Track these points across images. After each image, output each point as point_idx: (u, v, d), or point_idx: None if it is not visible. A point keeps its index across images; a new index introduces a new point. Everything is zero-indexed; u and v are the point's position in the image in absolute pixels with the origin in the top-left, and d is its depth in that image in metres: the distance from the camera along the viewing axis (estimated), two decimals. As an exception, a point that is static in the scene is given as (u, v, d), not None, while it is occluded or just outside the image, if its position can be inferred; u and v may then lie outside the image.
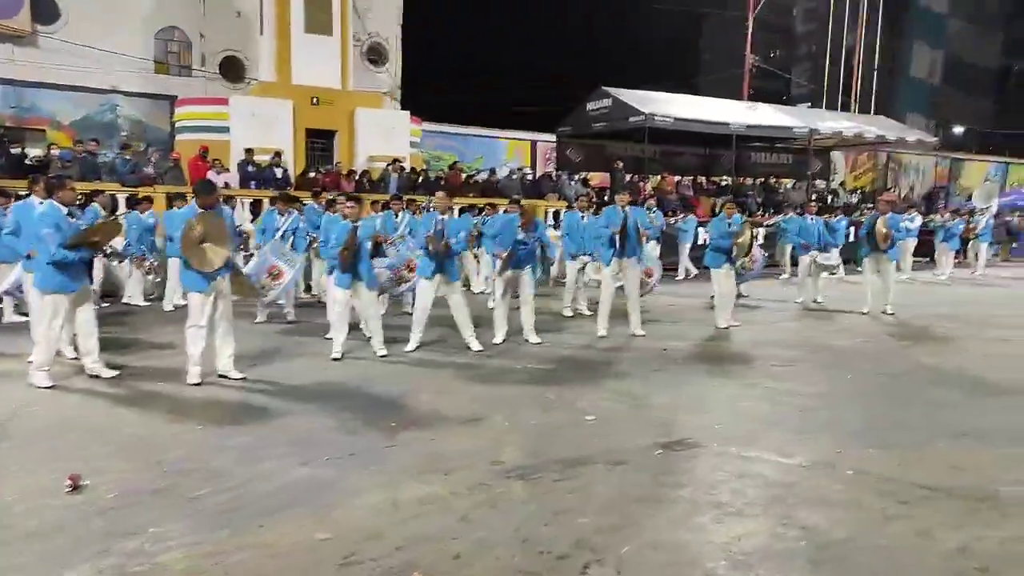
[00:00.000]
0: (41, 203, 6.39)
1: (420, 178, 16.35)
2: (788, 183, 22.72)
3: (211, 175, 13.50)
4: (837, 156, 26.78)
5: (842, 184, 26.00)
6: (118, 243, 9.26)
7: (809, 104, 32.19)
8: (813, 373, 7.04)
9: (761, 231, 15.48)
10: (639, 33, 36.33)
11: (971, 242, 17.20)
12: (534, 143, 23.98)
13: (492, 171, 18.38)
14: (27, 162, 12.79)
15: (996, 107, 46.20)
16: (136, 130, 19.33)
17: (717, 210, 11.01)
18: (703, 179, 21.93)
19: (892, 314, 10.37)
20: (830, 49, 30.99)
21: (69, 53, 18.14)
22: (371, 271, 7.29)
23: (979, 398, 6.20)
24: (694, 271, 15.17)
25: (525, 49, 31.78)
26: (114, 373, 6.33)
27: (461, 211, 13.43)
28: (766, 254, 14.36)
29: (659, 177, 20.17)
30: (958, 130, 35.17)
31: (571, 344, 8.23)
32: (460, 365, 7.08)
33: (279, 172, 14.83)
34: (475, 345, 7.67)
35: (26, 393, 5.86)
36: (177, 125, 17.91)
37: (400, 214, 10.19)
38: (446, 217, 7.61)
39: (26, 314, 7.53)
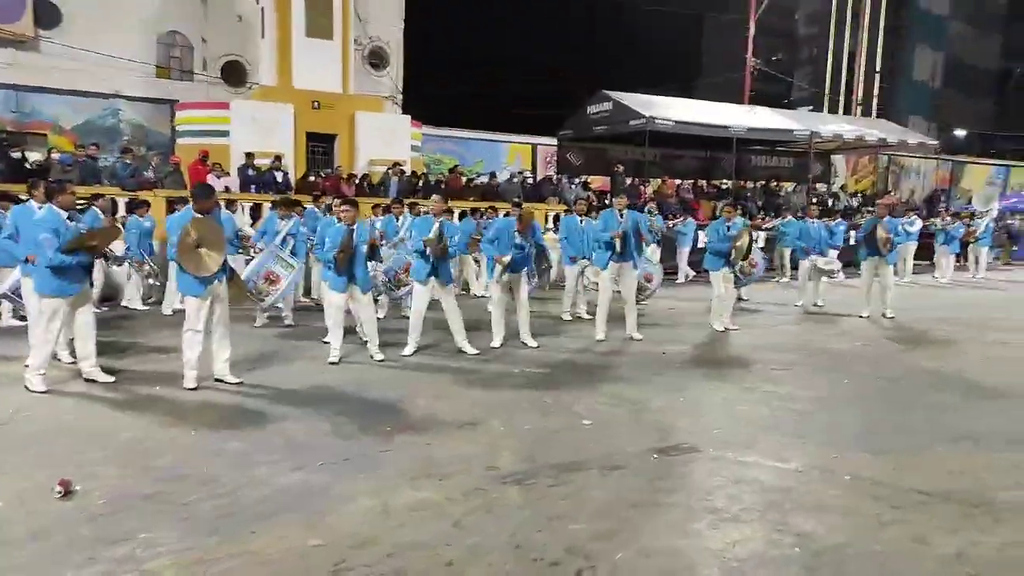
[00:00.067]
0: (40, 208, 6.38)
1: (420, 182, 16.36)
2: (789, 186, 22.69)
3: (211, 179, 13.49)
4: (838, 159, 26.75)
5: (843, 187, 25.95)
6: (118, 247, 9.27)
7: (811, 107, 32.20)
8: (811, 377, 7.02)
9: (762, 235, 15.48)
10: (640, 36, 36.34)
11: (971, 245, 17.17)
12: (535, 146, 24.01)
13: (492, 175, 18.39)
14: (27, 166, 12.80)
15: (997, 110, 46.17)
16: (138, 134, 19.39)
17: (717, 213, 10.99)
18: (704, 182, 21.91)
19: (891, 317, 10.35)
20: (831, 53, 31.00)
21: (71, 57, 18.21)
22: (366, 274, 7.28)
23: (977, 402, 6.17)
24: (691, 274, 15.15)
25: (526, 52, 31.78)
26: (110, 378, 6.32)
27: (462, 215, 13.42)
28: (767, 257, 14.37)
29: (660, 180, 20.15)
30: (959, 133, 35.11)
31: (569, 348, 8.21)
32: (457, 369, 7.06)
33: (279, 176, 14.83)
34: (468, 349, 7.66)
35: (22, 397, 5.85)
36: (178, 129, 17.95)
37: (401, 218, 10.21)
38: (442, 220, 7.60)
39: (24, 318, 7.52)
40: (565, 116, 20.85)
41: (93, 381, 6.26)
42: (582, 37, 36.06)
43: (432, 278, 7.46)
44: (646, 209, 14.13)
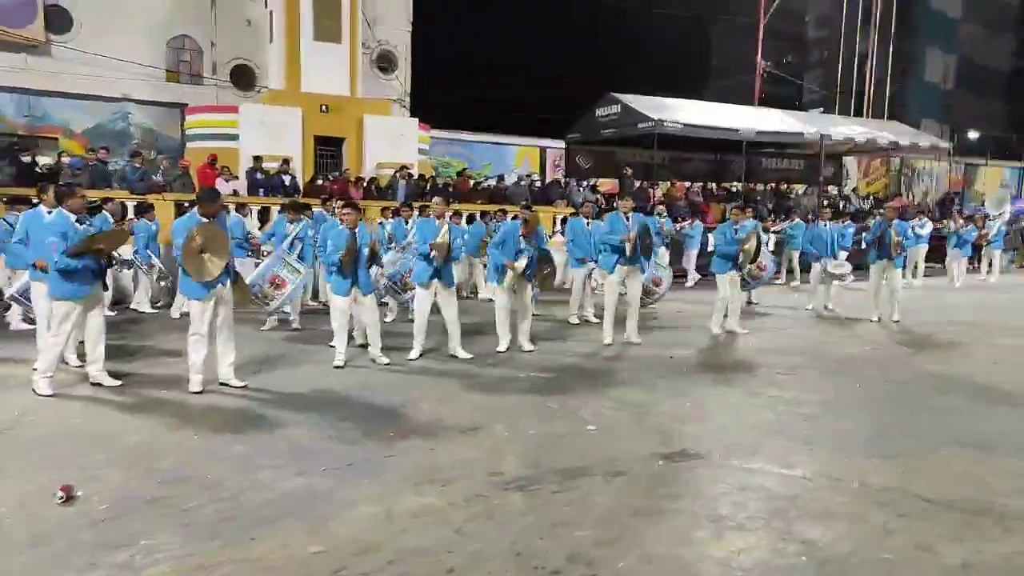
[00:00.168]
0: (50, 212, 6.41)
1: (428, 185, 16.35)
2: (800, 189, 22.58)
3: (219, 183, 13.55)
4: (850, 162, 26.60)
5: (855, 190, 25.80)
6: (125, 251, 9.31)
7: (822, 109, 32.03)
8: (819, 381, 6.96)
9: (772, 238, 15.40)
10: (649, 39, 36.26)
11: (984, 248, 17.01)
12: (543, 149, 23.99)
13: (500, 178, 18.39)
14: (37, 170, 12.88)
15: (1010, 111, 45.79)
16: (148, 138, 19.47)
17: (727, 216, 10.93)
18: (713, 185, 21.83)
19: (897, 321, 10.25)
20: (842, 55, 30.79)
21: (82, 62, 18.32)
22: (368, 277, 7.28)
23: (987, 406, 6.10)
24: (697, 277, 15.08)
25: (535, 55, 31.75)
26: (117, 382, 6.33)
27: (471, 219, 13.43)
28: (777, 260, 14.29)
29: (668, 183, 20.08)
30: (973, 135, 34.81)
31: (576, 352, 8.18)
32: (462, 373, 7.04)
33: (287, 179, 14.87)
34: (461, 354, 7.62)
35: (28, 400, 5.88)
36: (188, 133, 18.05)
37: (410, 221, 10.23)
38: (445, 222, 7.59)
39: (33, 321, 7.56)
40: (573, 119, 20.83)
41: (99, 385, 6.28)
42: (591, 40, 35.99)
43: (435, 280, 7.45)
44: (655, 212, 14.07)
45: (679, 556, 3.41)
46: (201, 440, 5.01)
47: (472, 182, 17.87)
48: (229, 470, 4.39)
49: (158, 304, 10.83)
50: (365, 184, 15.66)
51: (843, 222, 12.29)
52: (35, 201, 7.85)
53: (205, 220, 6.12)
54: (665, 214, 14.84)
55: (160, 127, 19.80)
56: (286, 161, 15.46)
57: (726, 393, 6.47)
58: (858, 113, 28.90)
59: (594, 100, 19.80)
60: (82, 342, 6.51)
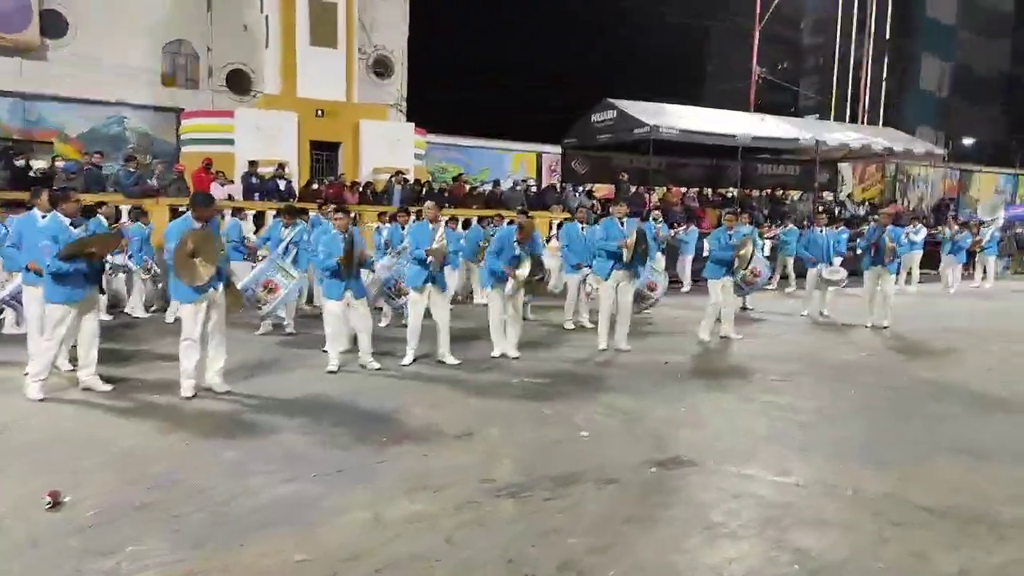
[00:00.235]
0: (44, 216, 6.38)
1: (424, 190, 16.32)
2: (795, 195, 22.61)
3: (214, 187, 13.53)
4: (845, 168, 26.64)
5: (850, 196, 25.86)
6: (119, 256, 9.27)
7: (817, 116, 32.11)
8: (814, 387, 6.95)
9: (767, 243, 15.39)
10: (645, 44, 36.33)
11: (978, 255, 17.03)
12: (540, 154, 23.99)
13: (496, 182, 18.36)
14: (31, 174, 12.83)
15: (1006, 119, 45.97)
16: (143, 143, 19.44)
17: (721, 221, 10.91)
18: (709, 191, 21.84)
19: (887, 327, 10.22)
20: (838, 61, 30.92)
21: (77, 66, 18.29)
22: (361, 282, 7.26)
23: (982, 413, 6.09)
24: (691, 284, 15.05)
25: (532, 60, 31.79)
26: (108, 387, 6.29)
27: (466, 223, 13.40)
28: (772, 265, 14.27)
29: (664, 188, 20.08)
30: (968, 141, 34.96)
31: (570, 358, 8.15)
32: (456, 379, 7.01)
33: (282, 184, 14.84)
34: (449, 359, 7.58)
35: (21, 404, 5.84)
36: (183, 137, 18.00)
37: (407, 227, 10.17)
38: (440, 226, 7.57)
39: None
40: (570, 124, 20.85)
41: (90, 389, 6.24)
42: (587, 46, 36.01)
43: (428, 285, 7.42)
44: (651, 217, 14.07)
45: (671, 564, 3.38)
46: (192, 445, 4.97)
47: (468, 187, 17.84)
48: (220, 476, 4.35)
49: (152, 308, 10.79)
50: (361, 189, 15.63)
51: (837, 228, 12.27)
52: (30, 205, 7.82)
53: (198, 225, 6.09)
54: (661, 219, 14.84)
55: (156, 131, 19.76)
56: (281, 166, 15.42)
57: (720, 399, 6.45)
58: (853, 119, 29.05)
59: (591, 105, 19.82)
60: (74, 346, 6.47)
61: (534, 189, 18.80)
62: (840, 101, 30.48)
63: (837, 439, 5.30)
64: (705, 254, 13.93)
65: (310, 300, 11.01)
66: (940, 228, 18.37)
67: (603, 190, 20.71)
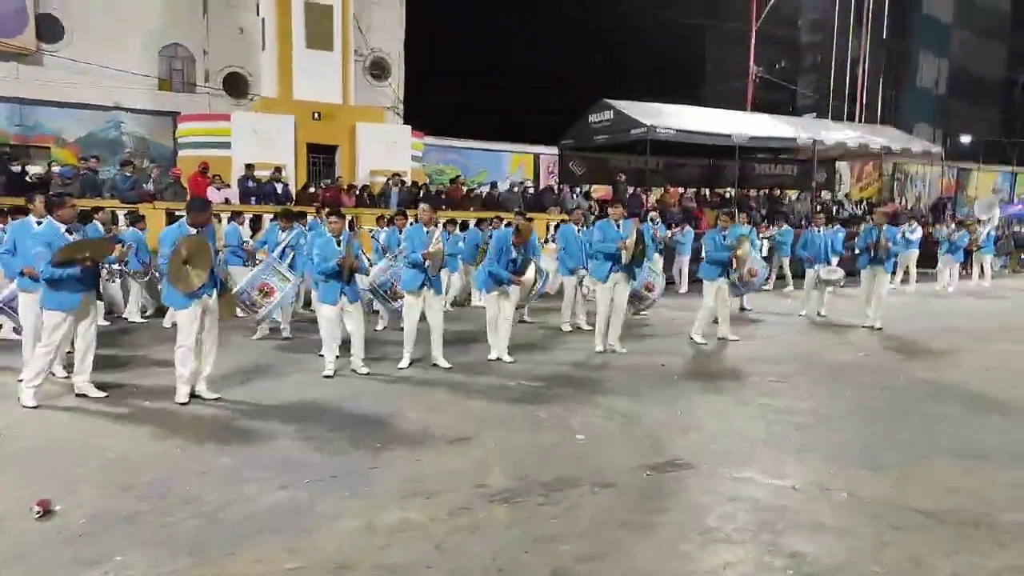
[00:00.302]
0: (39, 222, 6.36)
1: (421, 192, 16.31)
2: (793, 194, 22.60)
3: (211, 191, 13.51)
4: (843, 166, 26.64)
5: (847, 195, 25.84)
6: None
7: (814, 114, 32.09)
8: (811, 389, 6.92)
9: (765, 243, 15.36)
10: (643, 45, 36.35)
11: (974, 253, 17.01)
12: (537, 156, 23.93)
13: (493, 184, 18.35)
14: (27, 179, 12.81)
15: (1003, 117, 45.98)
16: (140, 147, 19.43)
17: (717, 221, 10.90)
18: (707, 191, 21.84)
19: (880, 328, 10.18)
20: (835, 60, 30.87)
21: (73, 71, 18.28)
22: (355, 285, 7.23)
23: (980, 415, 6.07)
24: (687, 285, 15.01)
25: (528, 61, 31.82)
26: (102, 394, 6.25)
27: (463, 225, 13.37)
28: (768, 266, 14.25)
29: (662, 189, 20.07)
30: (965, 139, 34.90)
31: (566, 360, 8.12)
32: (452, 383, 6.98)
33: (279, 187, 14.82)
34: (442, 363, 7.55)
35: (15, 411, 5.80)
36: (180, 141, 18.00)
37: (403, 230, 10.14)
38: (433, 229, 7.55)
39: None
40: (567, 125, 20.83)
41: (84, 396, 6.21)
42: (584, 47, 36.06)
43: (424, 288, 7.40)
44: (648, 218, 14.05)
45: (665, 570, 3.36)
46: (186, 452, 4.94)
47: (465, 189, 17.83)
48: (213, 483, 4.33)
49: (147, 314, 10.76)
50: (358, 192, 15.62)
51: (833, 227, 12.25)
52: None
53: (193, 231, 6.07)
54: (658, 220, 14.81)
55: (152, 135, 19.74)
56: (278, 169, 15.42)
57: (716, 401, 6.42)
58: (851, 118, 28.99)
59: (588, 106, 19.80)
60: (70, 352, 6.44)
61: (531, 191, 18.78)
62: (838, 99, 30.42)
63: (834, 441, 5.28)
64: (701, 255, 13.95)
65: (307, 304, 10.99)
66: (937, 227, 18.36)
67: (601, 191, 20.69)
